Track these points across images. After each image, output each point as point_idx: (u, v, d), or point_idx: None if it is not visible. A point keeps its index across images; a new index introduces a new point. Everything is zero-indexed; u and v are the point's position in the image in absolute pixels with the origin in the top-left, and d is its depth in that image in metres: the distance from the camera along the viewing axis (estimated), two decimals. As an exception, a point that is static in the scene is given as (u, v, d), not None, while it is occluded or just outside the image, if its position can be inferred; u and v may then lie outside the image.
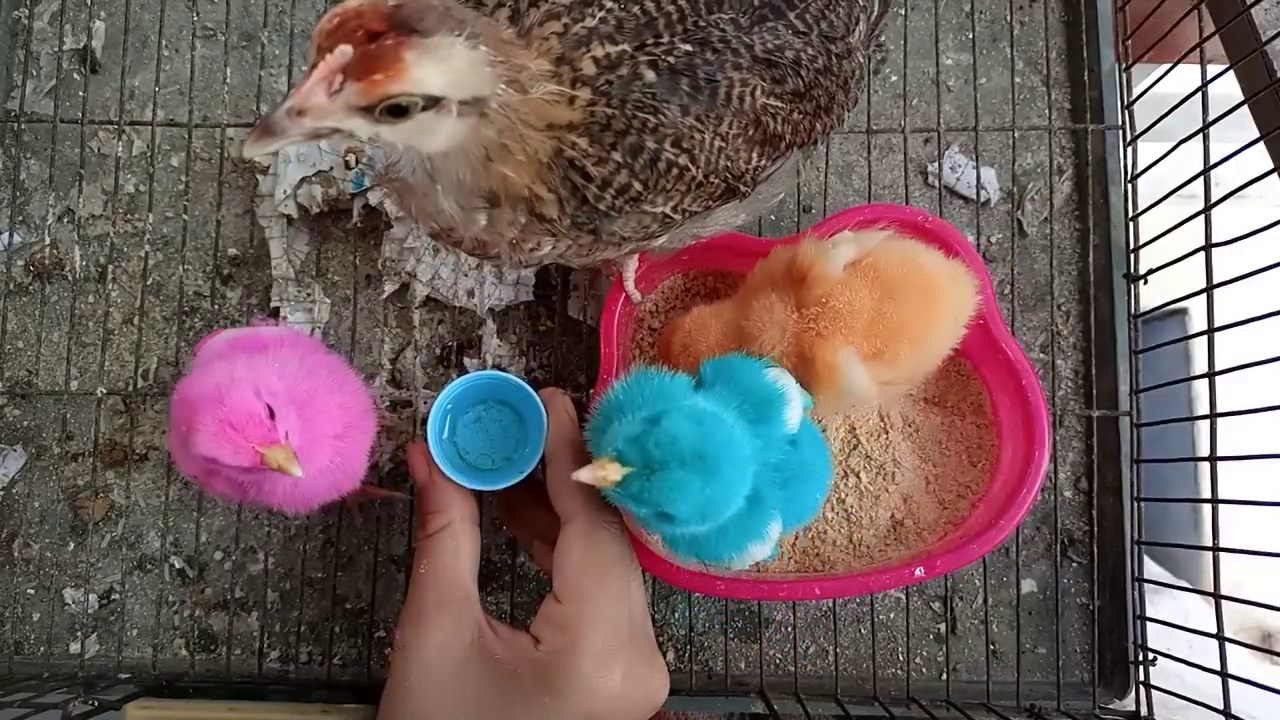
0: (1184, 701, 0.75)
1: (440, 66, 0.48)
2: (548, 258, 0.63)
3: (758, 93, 0.59)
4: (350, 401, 0.66)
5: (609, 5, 0.56)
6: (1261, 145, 0.75)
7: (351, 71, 0.46)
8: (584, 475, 0.56)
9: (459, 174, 0.55)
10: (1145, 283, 0.85)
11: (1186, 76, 0.78)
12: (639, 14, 0.57)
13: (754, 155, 0.61)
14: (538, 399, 0.68)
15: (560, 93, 0.54)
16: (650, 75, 0.56)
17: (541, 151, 0.55)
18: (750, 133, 0.60)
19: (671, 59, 0.56)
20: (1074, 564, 0.85)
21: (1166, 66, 0.82)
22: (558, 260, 0.65)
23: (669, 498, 0.55)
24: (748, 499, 0.59)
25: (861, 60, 0.67)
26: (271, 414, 0.57)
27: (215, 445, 0.56)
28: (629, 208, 0.59)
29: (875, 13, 0.69)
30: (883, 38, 0.90)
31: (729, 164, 0.60)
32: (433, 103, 0.49)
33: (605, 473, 0.55)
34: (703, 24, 0.57)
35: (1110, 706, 0.82)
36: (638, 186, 0.58)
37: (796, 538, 0.81)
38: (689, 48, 0.57)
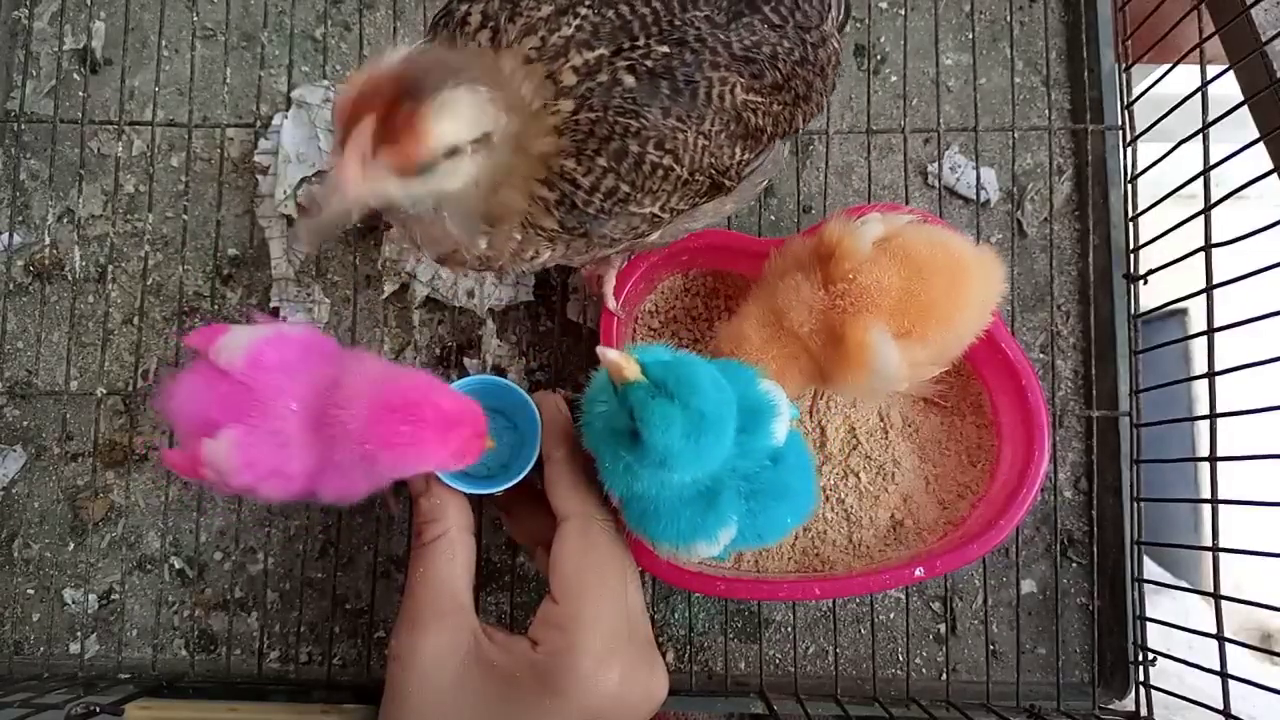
0: (1184, 701, 0.75)
1: (455, 120, 0.51)
2: (548, 262, 0.65)
3: (737, 90, 0.60)
4: None
5: (583, 12, 0.57)
6: (1261, 145, 0.75)
7: (379, 139, 0.49)
8: (610, 353, 0.57)
9: (465, 204, 0.57)
10: (1145, 283, 0.85)
11: (1186, 76, 0.78)
12: (614, 18, 0.57)
13: (737, 150, 0.62)
14: (531, 402, 0.68)
15: (546, 105, 0.56)
16: (630, 80, 0.57)
17: (536, 168, 0.57)
18: (732, 128, 0.61)
19: (649, 63, 0.57)
20: (1074, 564, 0.85)
21: (1166, 67, 0.82)
22: (559, 262, 0.66)
23: (655, 422, 0.56)
24: (704, 491, 0.60)
25: (837, 46, 0.68)
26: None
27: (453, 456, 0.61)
28: (618, 209, 0.60)
29: (840, 12, 0.69)
30: (880, 38, 0.89)
31: (713, 160, 0.61)
32: (452, 151, 0.52)
33: (626, 366, 0.56)
34: (678, 23, 0.58)
35: (1110, 707, 0.82)
36: (625, 189, 0.59)
37: (796, 538, 0.81)
38: (666, 49, 0.57)
